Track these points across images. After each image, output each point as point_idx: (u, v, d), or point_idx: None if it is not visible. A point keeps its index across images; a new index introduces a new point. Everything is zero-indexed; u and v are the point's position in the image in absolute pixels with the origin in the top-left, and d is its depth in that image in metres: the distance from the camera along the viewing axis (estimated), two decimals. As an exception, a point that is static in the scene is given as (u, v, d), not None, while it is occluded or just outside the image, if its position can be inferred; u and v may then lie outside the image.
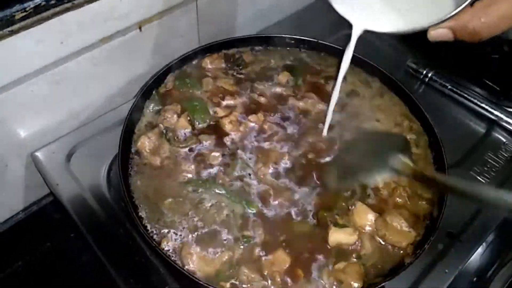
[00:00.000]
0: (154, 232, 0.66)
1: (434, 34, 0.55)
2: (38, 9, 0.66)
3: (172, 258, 0.62)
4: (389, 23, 0.60)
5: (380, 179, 0.67)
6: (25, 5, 0.64)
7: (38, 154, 0.79)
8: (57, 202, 0.77)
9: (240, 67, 0.87)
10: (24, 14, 0.65)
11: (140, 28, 0.82)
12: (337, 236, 0.65)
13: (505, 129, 0.92)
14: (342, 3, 0.63)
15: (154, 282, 0.67)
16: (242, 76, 0.86)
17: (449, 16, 0.52)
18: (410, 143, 0.76)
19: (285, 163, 0.74)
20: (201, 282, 0.59)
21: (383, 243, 0.66)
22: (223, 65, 0.86)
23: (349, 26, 0.64)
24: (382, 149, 0.67)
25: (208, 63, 0.86)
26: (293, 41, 0.91)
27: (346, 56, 0.68)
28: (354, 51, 0.86)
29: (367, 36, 1.05)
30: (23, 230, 0.90)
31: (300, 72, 0.87)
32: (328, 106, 0.74)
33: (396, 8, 0.60)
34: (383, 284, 0.60)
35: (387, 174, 0.65)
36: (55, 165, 0.78)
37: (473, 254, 0.74)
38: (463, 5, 0.51)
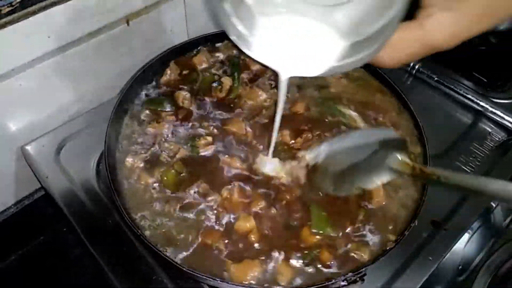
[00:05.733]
0: (141, 222, 0.67)
1: None
2: (24, 4, 0.67)
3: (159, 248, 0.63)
4: (313, 67, 0.56)
5: (379, 181, 0.64)
6: (11, -1, 0.65)
7: (28, 147, 0.80)
8: (48, 196, 0.78)
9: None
10: (10, 8, 0.66)
11: (127, 22, 0.82)
12: None
13: (491, 120, 0.93)
14: (262, 51, 0.56)
15: (143, 272, 0.68)
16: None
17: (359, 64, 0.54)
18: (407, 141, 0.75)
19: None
20: (187, 270, 0.60)
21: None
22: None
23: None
24: (377, 149, 0.64)
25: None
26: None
27: (280, 102, 0.64)
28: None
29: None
30: (15, 224, 0.91)
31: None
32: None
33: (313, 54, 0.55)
34: (364, 270, 0.62)
35: (386, 176, 0.62)
36: (45, 159, 0.79)
37: (457, 242, 0.75)
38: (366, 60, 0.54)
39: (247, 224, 0.66)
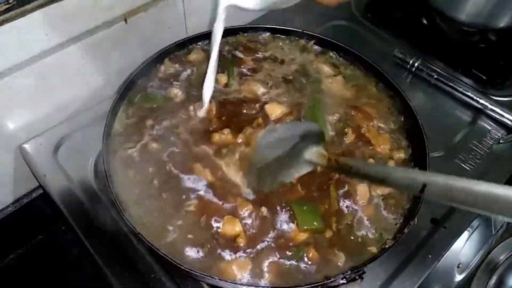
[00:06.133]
0: (138, 220, 0.66)
1: None
2: (21, 1, 0.66)
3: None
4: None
5: (297, 174, 0.65)
6: (8, -3, 0.65)
7: (26, 146, 0.80)
8: (47, 195, 0.77)
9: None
10: (7, 6, 0.65)
11: (125, 20, 0.82)
12: None
13: (490, 117, 0.92)
14: None
15: (141, 270, 0.68)
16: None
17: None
18: (324, 132, 0.74)
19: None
20: (186, 268, 0.60)
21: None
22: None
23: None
24: (297, 142, 0.65)
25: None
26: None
27: (216, 31, 0.68)
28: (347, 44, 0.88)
29: (353, 26, 1.08)
30: (14, 224, 0.91)
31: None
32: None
33: None
34: (363, 268, 0.61)
35: (304, 168, 0.64)
36: (42, 157, 0.79)
37: (456, 240, 0.75)
38: None
39: (235, 228, 0.65)
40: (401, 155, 0.76)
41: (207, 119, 0.78)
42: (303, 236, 0.65)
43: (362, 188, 0.70)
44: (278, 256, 0.64)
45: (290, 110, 0.79)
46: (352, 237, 0.67)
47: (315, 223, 0.66)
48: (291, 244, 0.65)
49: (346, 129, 0.78)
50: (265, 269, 0.63)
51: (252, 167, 0.70)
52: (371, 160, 0.73)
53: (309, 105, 0.81)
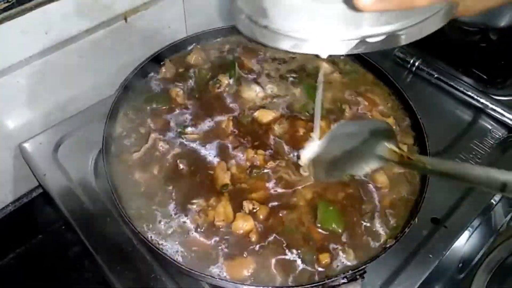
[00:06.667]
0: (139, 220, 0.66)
1: None
2: (21, 0, 0.66)
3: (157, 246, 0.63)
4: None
5: (368, 168, 0.64)
6: (8, -5, 0.65)
7: (25, 145, 0.80)
8: (47, 194, 0.77)
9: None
10: (7, 4, 0.65)
11: (125, 19, 0.82)
12: None
13: (491, 117, 0.92)
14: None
15: (141, 270, 0.68)
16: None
17: None
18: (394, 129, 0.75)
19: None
20: (186, 268, 0.60)
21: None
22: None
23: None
24: (367, 138, 0.65)
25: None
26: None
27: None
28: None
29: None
30: (14, 223, 0.91)
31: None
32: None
33: None
34: (364, 268, 0.61)
35: (375, 163, 0.63)
36: (42, 156, 0.79)
37: (457, 239, 0.75)
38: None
39: (246, 223, 0.66)
40: (410, 139, 0.77)
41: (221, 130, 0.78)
42: (316, 234, 0.66)
43: None
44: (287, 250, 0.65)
45: (282, 114, 0.80)
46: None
47: (334, 225, 0.67)
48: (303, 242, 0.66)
49: (343, 106, 0.80)
50: (273, 264, 0.64)
51: (319, 158, 0.70)
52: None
53: (307, 97, 0.82)
